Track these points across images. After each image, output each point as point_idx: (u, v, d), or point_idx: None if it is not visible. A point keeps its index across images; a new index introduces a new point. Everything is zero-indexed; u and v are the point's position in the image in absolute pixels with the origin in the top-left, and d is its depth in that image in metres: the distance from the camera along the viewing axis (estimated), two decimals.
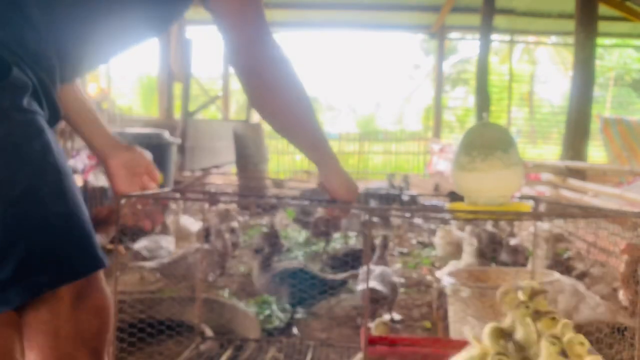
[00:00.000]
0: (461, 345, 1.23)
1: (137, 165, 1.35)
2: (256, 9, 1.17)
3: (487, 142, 1.29)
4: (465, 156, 1.29)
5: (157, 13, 1.15)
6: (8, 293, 0.89)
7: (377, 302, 2.51)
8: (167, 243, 3.29)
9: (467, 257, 3.09)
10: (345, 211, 1.48)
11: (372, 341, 1.73)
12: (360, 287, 2.62)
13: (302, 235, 4.67)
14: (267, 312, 2.78)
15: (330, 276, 2.71)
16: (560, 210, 1.91)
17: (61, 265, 0.94)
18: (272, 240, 2.79)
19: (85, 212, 0.99)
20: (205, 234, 3.06)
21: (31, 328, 0.96)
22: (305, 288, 2.50)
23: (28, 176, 0.91)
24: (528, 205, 1.38)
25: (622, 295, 2.21)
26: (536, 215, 1.66)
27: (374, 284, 2.57)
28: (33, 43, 0.96)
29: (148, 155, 1.41)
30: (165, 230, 3.54)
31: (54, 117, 1.01)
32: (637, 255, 2.34)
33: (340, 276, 2.72)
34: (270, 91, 1.20)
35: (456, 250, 3.72)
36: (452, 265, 3.04)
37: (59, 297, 0.96)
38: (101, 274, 1.04)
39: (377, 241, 3.00)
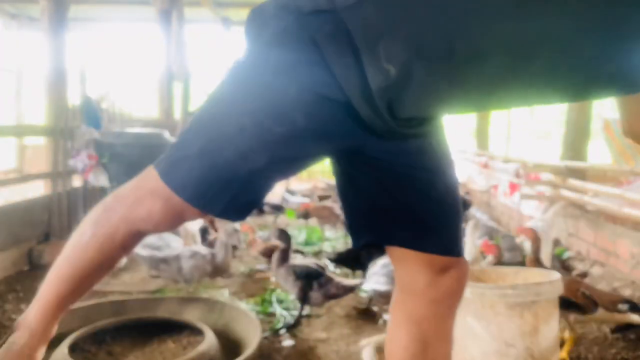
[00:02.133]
0: None
1: None
2: None
3: None
4: None
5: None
6: None
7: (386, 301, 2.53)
8: (177, 243, 3.23)
9: (472, 250, 3.08)
10: None
11: None
12: (369, 286, 2.62)
13: (301, 234, 4.67)
14: (270, 310, 2.79)
15: (346, 281, 2.72)
16: None
17: None
18: (285, 237, 2.80)
19: None
20: (202, 234, 3.04)
21: None
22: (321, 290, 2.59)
23: None
24: None
25: None
26: None
27: (383, 280, 2.57)
28: None
29: None
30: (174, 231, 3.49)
31: None
32: (535, 235, 2.50)
33: (354, 282, 2.73)
34: None
35: None
36: None
37: None
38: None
39: None
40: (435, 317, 1.15)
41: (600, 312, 2.20)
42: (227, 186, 1.00)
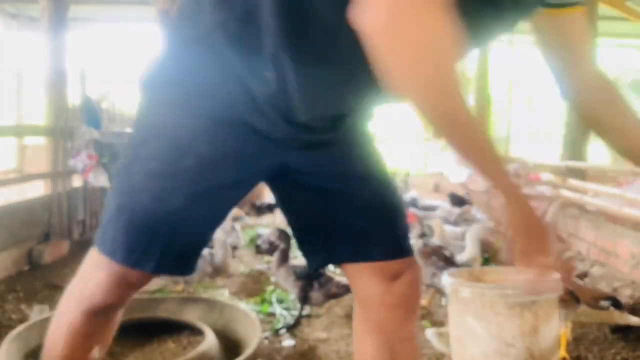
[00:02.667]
0: None
1: None
2: None
3: None
4: None
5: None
6: None
7: None
8: None
9: (472, 250, 3.08)
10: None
11: None
12: None
13: None
14: (270, 310, 2.79)
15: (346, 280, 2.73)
16: None
17: None
18: (285, 237, 2.80)
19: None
20: None
21: None
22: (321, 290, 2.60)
23: None
24: None
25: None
26: None
27: None
28: None
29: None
30: None
31: None
32: None
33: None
34: None
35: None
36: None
37: None
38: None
39: None
40: (395, 322, 1.16)
41: (584, 308, 2.21)
42: (153, 237, 0.99)
